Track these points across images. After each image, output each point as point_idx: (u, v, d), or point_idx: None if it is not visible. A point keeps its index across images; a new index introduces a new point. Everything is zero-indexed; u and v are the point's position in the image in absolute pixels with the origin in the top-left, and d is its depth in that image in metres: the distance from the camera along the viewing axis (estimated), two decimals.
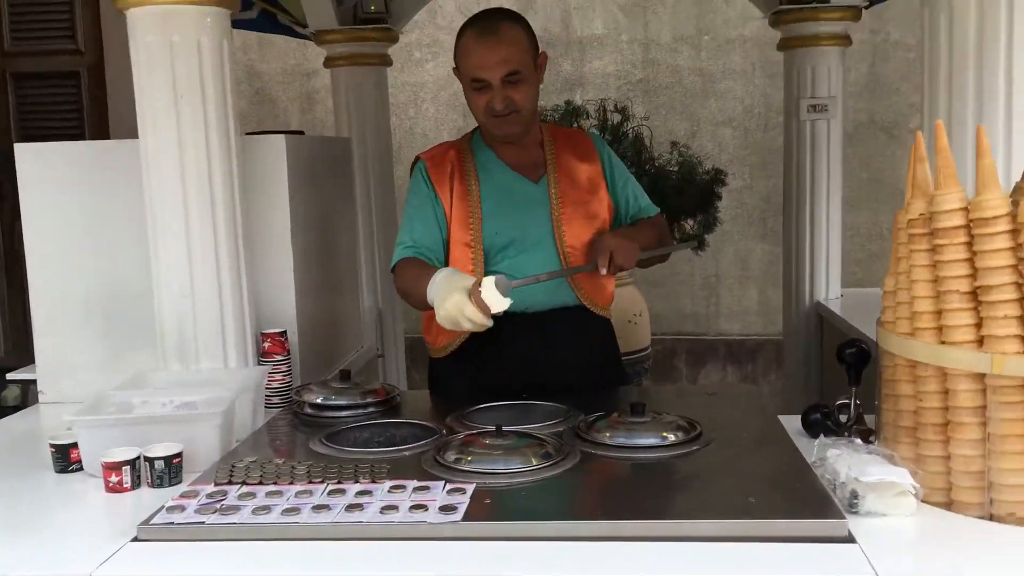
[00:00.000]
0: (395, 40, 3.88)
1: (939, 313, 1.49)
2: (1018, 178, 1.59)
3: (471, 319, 1.88)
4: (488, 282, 1.90)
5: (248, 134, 2.47)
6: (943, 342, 1.48)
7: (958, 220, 1.45)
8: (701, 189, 4.44)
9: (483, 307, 1.89)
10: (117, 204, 2.34)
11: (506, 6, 5.91)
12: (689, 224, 4.66)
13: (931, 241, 1.49)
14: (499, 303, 1.90)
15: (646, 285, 5.75)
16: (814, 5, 3.53)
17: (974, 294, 1.45)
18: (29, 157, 2.39)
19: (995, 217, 1.41)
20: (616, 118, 4.55)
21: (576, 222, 2.27)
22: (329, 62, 3.86)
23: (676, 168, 4.50)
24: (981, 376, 1.44)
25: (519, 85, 2.16)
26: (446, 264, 2.22)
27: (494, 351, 2.21)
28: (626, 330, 4.53)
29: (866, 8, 3.70)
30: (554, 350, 2.23)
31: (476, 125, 2.34)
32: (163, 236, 2.14)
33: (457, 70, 2.25)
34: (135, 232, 2.26)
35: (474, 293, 1.90)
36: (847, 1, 3.52)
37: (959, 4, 1.92)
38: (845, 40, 3.63)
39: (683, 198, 4.42)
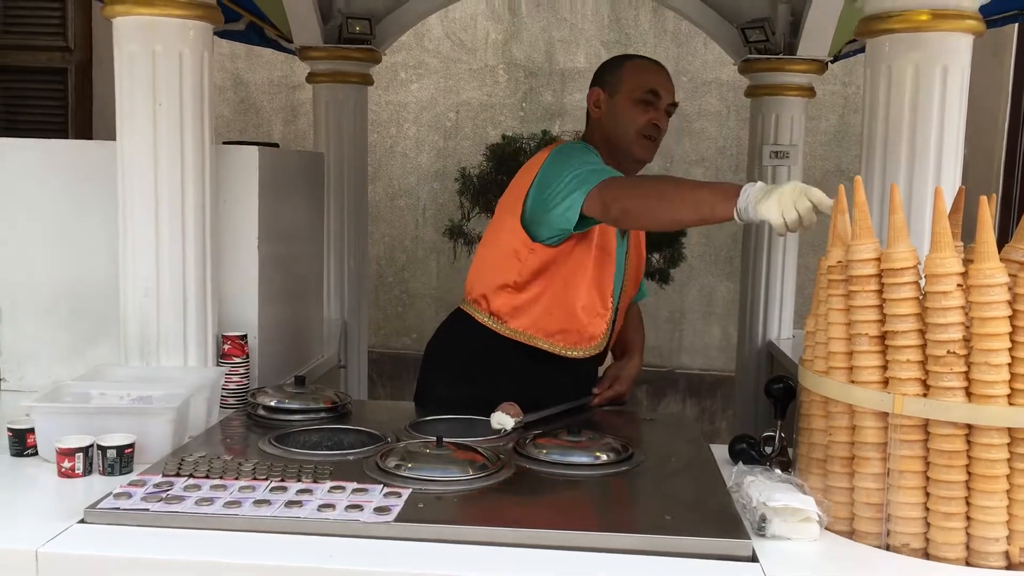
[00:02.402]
0: (378, 61, 3.99)
1: (850, 354, 1.60)
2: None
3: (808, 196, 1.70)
4: (496, 421, 2.07)
5: (225, 143, 2.56)
6: (852, 381, 1.59)
7: (871, 269, 1.56)
8: None
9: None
10: (90, 202, 2.42)
11: (493, 35, 6.09)
12: (656, 258, 4.79)
13: (846, 287, 1.60)
14: (509, 423, 2.07)
15: None
16: (781, 56, 3.67)
17: (882, 338, 1.56)
18: (6, 152, 2.46)
19: (903, 268, 1.52)
20: None
21: (629, 292, 2.46)
22: (312, 78, 3.96)
23: None
24: (884, 414, 1.55)
25: (667, 120, 2.32)
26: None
27: (491, 369, 2.33)
28: None
29: (832, 63, 3.85)
30: (558, 385, 2.34)
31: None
32: (133, 235, 2.22)
33: (605, 87, 2.32)
34: (105, 230, 2.34)
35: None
36: (812, 55, 3.66)
37: (897, 68, 2.05)
38: (809, 92, 3.78)
39: (650, 233, 4.53)
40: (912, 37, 2.13)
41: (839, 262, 1.62)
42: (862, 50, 3.40)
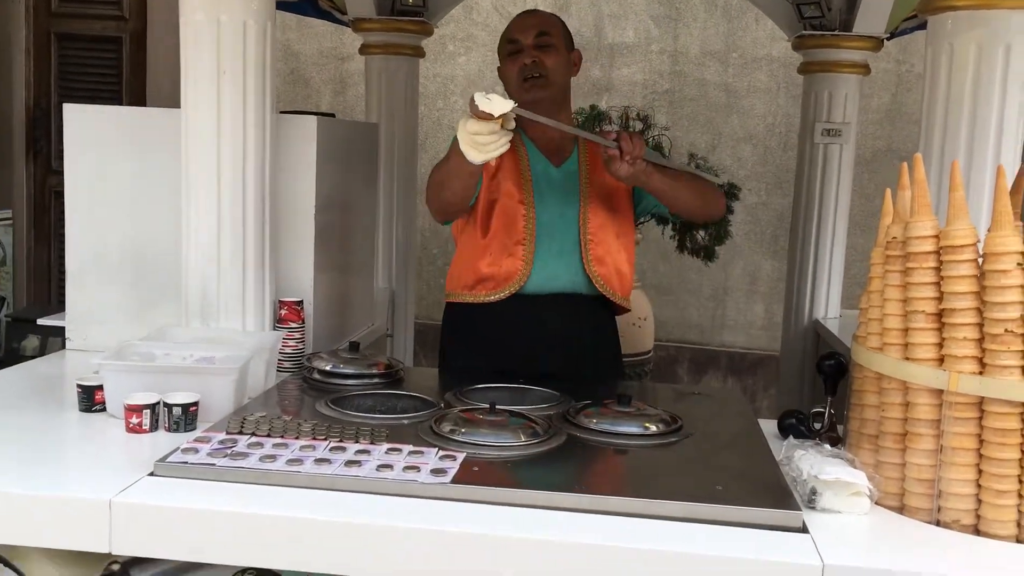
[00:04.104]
0: (430, 33, 4.01)
1: (906, 331, 1.61)
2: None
3: (477, 131, 1.94)
4: (480, 94, 1.93)
5: (282, 112, 2.60)
6: (907, 358, 1.60)
7: (929, 246, 1.56)
8: None
9: (484, 116, 1.93)
10: (154, 168, 2.48)
11: (542, 7, 6.07)
12: (701, 235, 4.79)
13: (904, 264, 1.60)
14: (501, 104, 1.92)
15: (654, 292, 5.88)
16: (836, 33, 3.63)
17: (939, 315, 1.57)
18: (76, 117, 2.52)
19: (963, 246, 1.52)
20: (637, 126, 4.67)
21: (599, 217, 2.44)
22: (364, 49, 3.99)
23: None
24: (939, 392, 1.56)
25: (549, 51, 2.35)
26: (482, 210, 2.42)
27: (500, 330, 2.40)
28: (630, 332, 4.65)
29: (888, 40, 3.80)
30: (557, 336, 2.40)
31: None
32: (195, 201, 2.28)
33: (501, 69, 2.45)
34: (168, 196, 2.40)
35: (471, 110, 1.95)
36: (868, 31, 3.61)
37: (959, 46, 2.04)
38: (864, 69, 3.74)
39: None
40: (975, 14, 2.11)
41: (895, 239, 1.63)
42: (919, 27, 3.36)
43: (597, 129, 4.15)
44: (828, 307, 3.88)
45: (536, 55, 2.36)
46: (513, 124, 1.98)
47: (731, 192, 4.59)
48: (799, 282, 3.93)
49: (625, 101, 5.64)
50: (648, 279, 5.90)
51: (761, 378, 6.10)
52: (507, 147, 2.00)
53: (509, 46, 2.40)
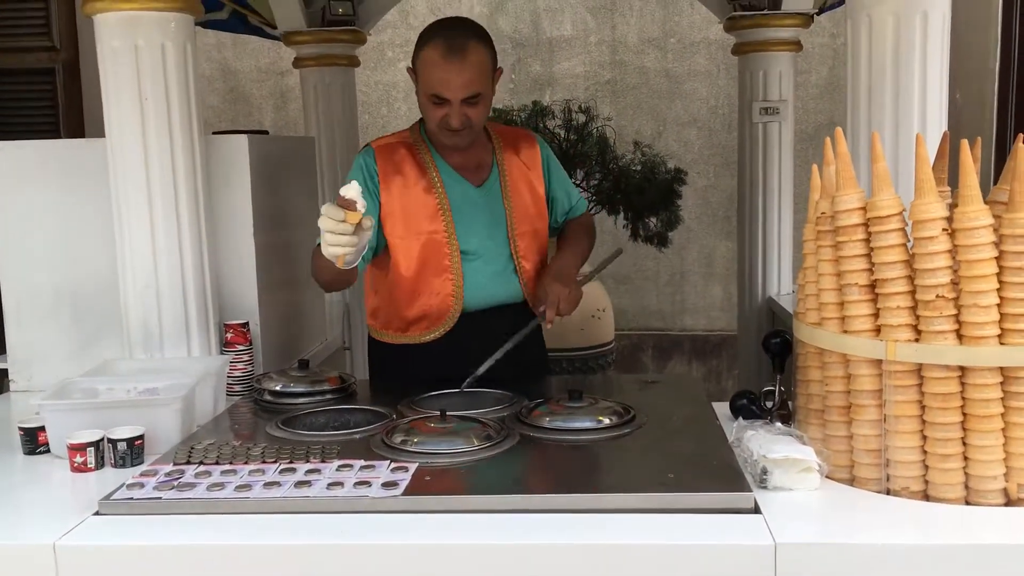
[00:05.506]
0: (363, 42, 3.99)
1: (842, 304, 1.62)
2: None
3: (325, 214, 1.85)
4: (351, 188, 1.86)
5: (215, 133, 2.57)
6: (845, 331, 1.61)
7: (856, 219, 1.58)
8: (662, 188, 4.57)
9: (344, 203, 1.86)
10: (87, 200, 2.43)
11: (478, 8, 6.06)
12: (652, 222, 4.81)
13: (834, 238, 1.62)
14: (349, 189, 1.86)
15: (612, 282, 5.91)
16: (765, 12, 3.66)
17: (872, 287, 1.58)
18: (3, 154, 2.48)
19: (888, 216, 1.54)
20: (581, 118, 4.68)
21: (526, 234, 2.37)
22: (298, 62, 3.96)
23: (638, 167, 4.63)
24: (878, 362, 1.57)
25: (477, 105, 2.21)
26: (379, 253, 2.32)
27: (438, 346, 2.33)
28: (590, 325, 4.66)
29: (817, 15, 3.84)
30: (494, 345, 2.32)
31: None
32: (129, 231, 2.24)
33: (413, 71, 2.28)
34: (103, 227, 2.36)
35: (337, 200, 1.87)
36: (797, 8, 3.65)
37: (877, 17, 2.05)
38: (796, 46, 3.77)
39: (644, 197, 4.55)
40: None
41: (824, 214, 1.64)
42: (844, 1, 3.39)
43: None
44: (780, 284, 3.92)
45: (464, 112, 2.20)
46: (369, 225, 1.90)
47: (678, 177, 4.61)
48: (751, 261, 3.96)
49: (567, 94, 5.64)
50: (606, 270, 5.91)
51: (725, 359, 6.15)
52: (351, 254, 1.91)
53: (433, 96, 2.20)
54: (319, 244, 2.03)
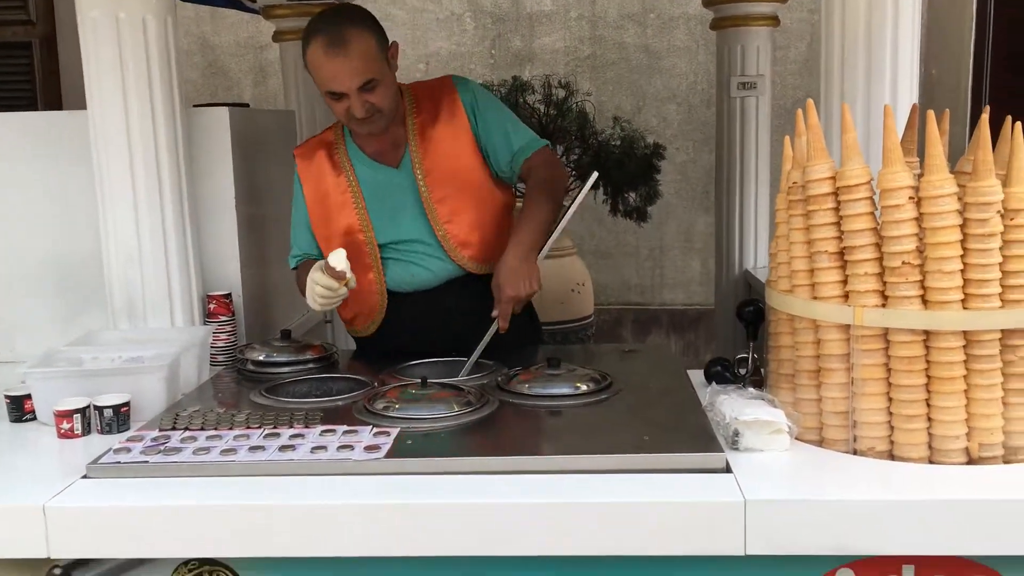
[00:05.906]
0: None
1: (812, 271, 1.67)
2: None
3: (319, 283, 2.09)
4: (337, 256, 2.06)
5: (196, 106, 2.58)
6: (815, 297, 1.66)
7: (826, 188, 1.62)
8: (641, 163, 4.60)
9: (332, 272, 2.06)
10: (69, 172, 2.45)
11: None
12: (632, 197, 4.84)
13: (805, 207, 1.66)
14: (339, 261, 2.06)
15: (592, 256, 5.95)
16: None
17: (841, 254, 1.63)
18: None
19: (856, 184, 1.58)
20: (560, 93, 4.70)
21: (450, 200, 2.28)
22: (278, 36, 3.95)
23: (618, 143, 4.66)
24: (847, 327, 1.62)
25: (376, 89, 2.13)
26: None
27: (400, 329, 2.37)
28: (569, 299, 4.71)
29: None
30: (449, 320, 2.32)
31: None
32: (111, 203, 2.25)
33: (308, 71, 2.20)
34: (86, 199, 2.37)
35: (326, 268, 2.07)
36: None
37: None
38: (774, 20, 3.81)
39: (624, 171, 4.59)
40: None
41: (795, 183, 1.68)
42: None
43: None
44: (757, 257, 3.97)
45: (365, 100, 2.13)
46: (354, 285, 2.13)
47: (656, 152, 4.65)
48: (728, 235, 4.01)
49: (547, 70, 5.66)
50: (585, 244, 5.96)
51: (703, 333, 6.21)
52: (339, 302, 2.17)
53: (328, 93, 2.14)
54: (296, 270, 2.37)
